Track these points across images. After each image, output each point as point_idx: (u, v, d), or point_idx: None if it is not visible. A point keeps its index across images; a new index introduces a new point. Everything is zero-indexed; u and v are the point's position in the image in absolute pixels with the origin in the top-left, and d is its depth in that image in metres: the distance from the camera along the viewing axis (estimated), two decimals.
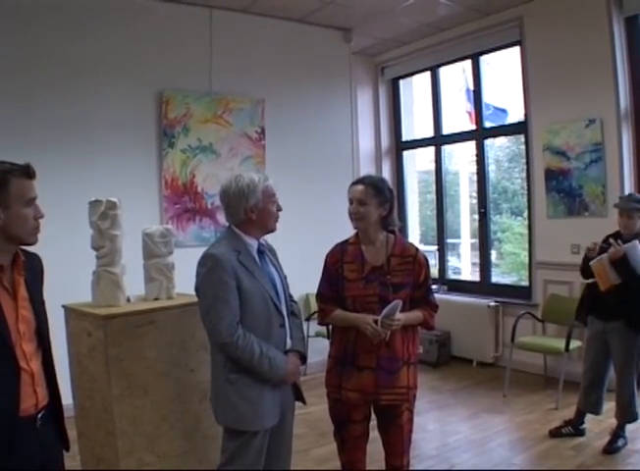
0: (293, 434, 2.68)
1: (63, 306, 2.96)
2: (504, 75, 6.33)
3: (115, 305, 2.89)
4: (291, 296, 2.68)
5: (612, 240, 3.73)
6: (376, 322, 2.50)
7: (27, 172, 1.76)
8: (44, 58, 4.58)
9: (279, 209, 2.54)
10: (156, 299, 3.08)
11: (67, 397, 2.36)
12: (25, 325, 1.76)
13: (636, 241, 3.64)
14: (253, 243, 2.50)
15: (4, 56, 4.42)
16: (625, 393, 3.84)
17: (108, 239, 2.92)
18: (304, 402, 2.67)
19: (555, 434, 4.08)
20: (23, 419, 1.71)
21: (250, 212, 2.45)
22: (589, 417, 4.09)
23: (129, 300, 3.05)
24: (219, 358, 2.44)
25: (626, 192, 4.66)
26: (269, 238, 2.64)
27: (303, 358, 2.61)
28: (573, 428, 4.07)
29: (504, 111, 6.31)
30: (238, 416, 2.39)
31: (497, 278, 6.52)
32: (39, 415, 1.78)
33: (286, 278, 2.65)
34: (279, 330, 2.48)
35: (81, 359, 2.87)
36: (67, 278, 3.52)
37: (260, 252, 2.52)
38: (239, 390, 2.40)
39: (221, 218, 5.42)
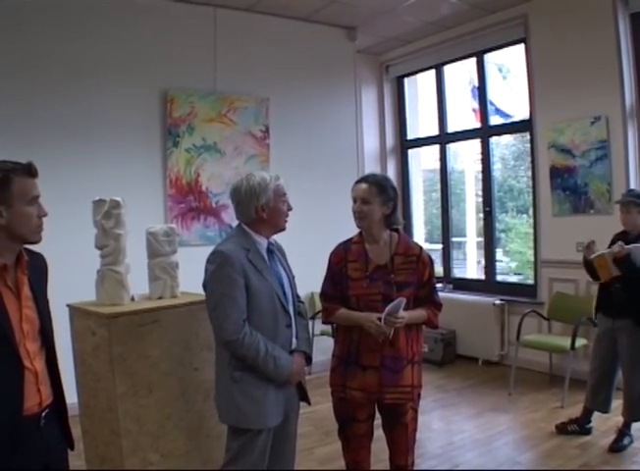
0: (298, 433, 2.69)
1: (67, 305, 2.97)
2: (510, 73, 6.32)
3: (119, 304, 2.90)
4: (298, 297, 2.68)
5: (620, 243, 3.72)
6: (380, 320, 2.50)
7: (30, 170, 1.77)
8: (46, 58, 4.59)
9: (289, 208, 2.55)
10: (160, 298, 3.08)
11: (71, 396, 2.37)
12: (28, 324, 1.76)
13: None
14: (263, 242, 2.50)
15: (6, 56, 4.43)
16: (633, 392, 3.82)
17: (112, 238, 2.93)
18: (309, 403, 2.66)
19: (561, 429, 4.08)
20: (26, 418, 1.72)
21: (261, 211, 2.45)
22: (595, 415, 4.07)
23: (133, 299, 3.06)
24: (224, 356, 2.44)
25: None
26: (276, 237, 2.64)
27: (309, 359, 2.60)
28: (579, 426, 4.05)
29: (506, 114, 6.30)
30: (241, 415, 2.40)
31: (503, 276, 6.51)
32: (43, 414, 1.78)
33: (294, 278, 2.65)
34: (285, 330, 2.48)
35: (86, 358, 2.87)
36: (71, 277, 3.54)
37: (270, 251, 2.53)
38: (243, 388, 2.40)
39: (225, 217, 5.44)
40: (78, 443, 2.12)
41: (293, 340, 2.54)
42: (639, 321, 3.70)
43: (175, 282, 3.15)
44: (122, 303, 2.92)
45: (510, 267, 6.86)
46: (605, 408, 4.01)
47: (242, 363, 2.38)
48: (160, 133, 5.19)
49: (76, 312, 2.95)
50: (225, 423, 2.49)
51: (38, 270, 1.89)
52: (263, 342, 2.36)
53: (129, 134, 4.99)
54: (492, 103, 6.24)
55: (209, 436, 2.96)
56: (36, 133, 4.51)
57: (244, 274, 2.36)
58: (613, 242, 3.89)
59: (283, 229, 2.56)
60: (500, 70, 6.40)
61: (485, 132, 6.26)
